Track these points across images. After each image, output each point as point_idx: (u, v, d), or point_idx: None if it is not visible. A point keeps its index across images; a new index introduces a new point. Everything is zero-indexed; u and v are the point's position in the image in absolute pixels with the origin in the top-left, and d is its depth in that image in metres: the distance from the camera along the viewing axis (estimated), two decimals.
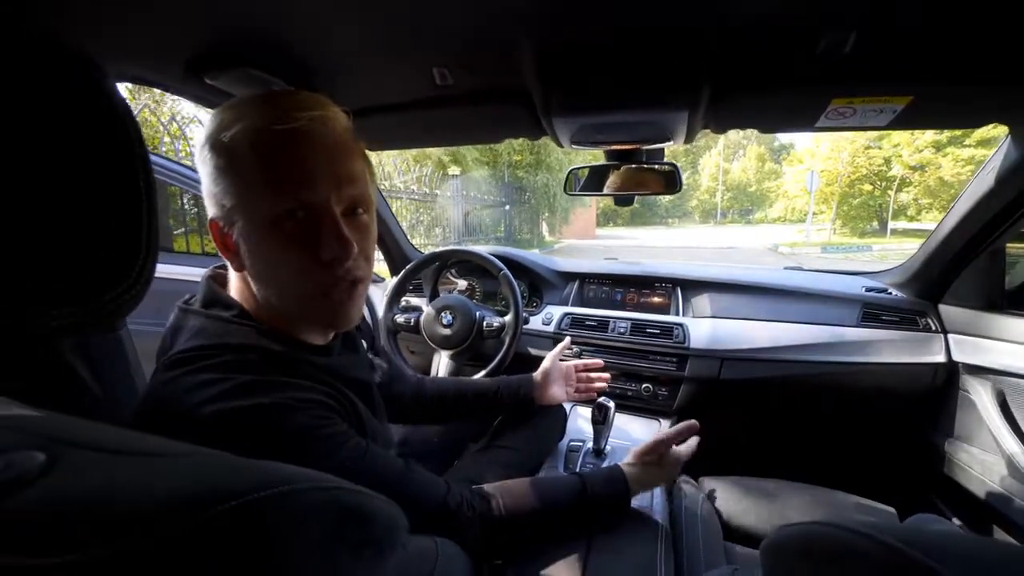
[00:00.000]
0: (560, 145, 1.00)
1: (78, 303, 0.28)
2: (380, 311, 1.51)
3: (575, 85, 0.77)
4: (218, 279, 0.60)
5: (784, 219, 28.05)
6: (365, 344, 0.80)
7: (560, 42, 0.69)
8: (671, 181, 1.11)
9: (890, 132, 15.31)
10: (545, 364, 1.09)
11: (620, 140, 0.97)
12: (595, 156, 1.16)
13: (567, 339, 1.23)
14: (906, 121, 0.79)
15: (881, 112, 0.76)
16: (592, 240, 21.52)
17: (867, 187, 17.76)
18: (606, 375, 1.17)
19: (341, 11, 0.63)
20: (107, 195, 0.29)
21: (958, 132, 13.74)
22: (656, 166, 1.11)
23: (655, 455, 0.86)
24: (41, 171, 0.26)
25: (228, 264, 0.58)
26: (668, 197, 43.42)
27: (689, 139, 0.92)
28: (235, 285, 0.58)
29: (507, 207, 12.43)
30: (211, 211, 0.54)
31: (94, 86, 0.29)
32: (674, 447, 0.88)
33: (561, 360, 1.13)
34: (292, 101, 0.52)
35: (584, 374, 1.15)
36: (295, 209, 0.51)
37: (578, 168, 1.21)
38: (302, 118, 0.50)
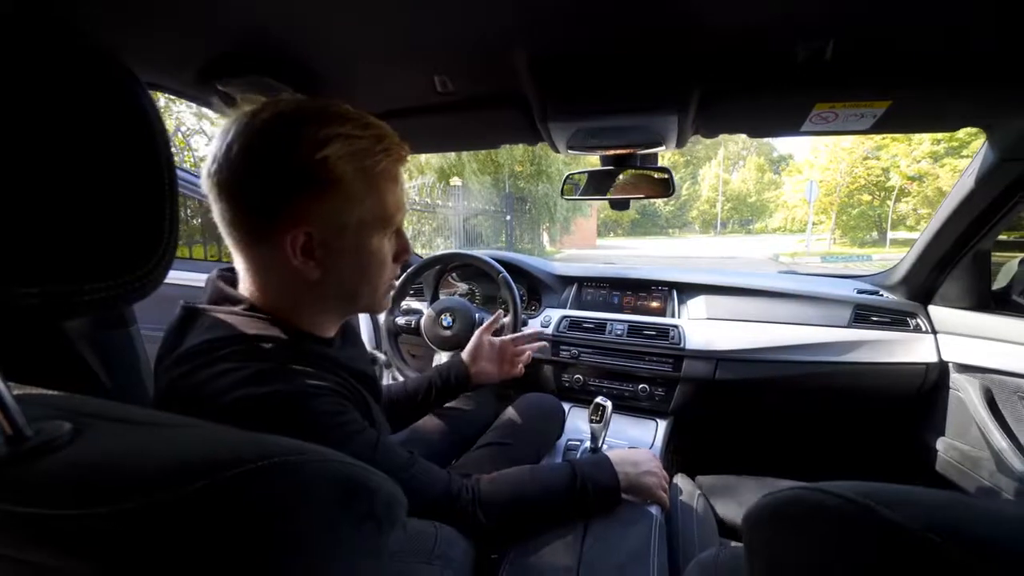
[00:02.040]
0: (556, 151, 1.04)
1: (108, 279, 0.31)
2: (382, 315, 1.54)
3: (569, 90, 0.80)
4: (225, 279, 0.62)
5: (784, 229, 28.08)
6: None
7: (554, 48, 0.72)
8: (665, 185, 1.15)
9: (888, 143, 15.43)
10: (471, 342, 1.09)
11: (614, 145, 1.01)
12: (593, 164, 1.20)
13: (498, 312, 1.17)
14: (887, 125, 0.82)
15: (862, 116, 0.80)
16: (593, 250, 21.57)
17: (866, 197, 17.81)
18: (536, 344, 1.14)
19: (347, 21, 0.66)
20: (134, 184, 0.32)
21: (955, 143, 13.82)
22: (651, 171, 1.15)
23: (640, 454, 0.89)
24: (75, 162, 0.29)
25: (242, 268, 0.59)
26: (669, 207, 43.61)
27: (681, 144, 0.96)
28: (245, 284, 0.60)
29: (508, 217, 12.49)
30: (296, 223, 0.54)
31: (123, 83, 0.32)
32: (661, 474, 0.89)
33: (496, 336, 1.11)
34: (380, 128, 0.58)
35: (515, 348, 1.11)
36: (394, 229, 0.63)
37: (575, 173, 1.24)
38: (403, 153, 0.60)
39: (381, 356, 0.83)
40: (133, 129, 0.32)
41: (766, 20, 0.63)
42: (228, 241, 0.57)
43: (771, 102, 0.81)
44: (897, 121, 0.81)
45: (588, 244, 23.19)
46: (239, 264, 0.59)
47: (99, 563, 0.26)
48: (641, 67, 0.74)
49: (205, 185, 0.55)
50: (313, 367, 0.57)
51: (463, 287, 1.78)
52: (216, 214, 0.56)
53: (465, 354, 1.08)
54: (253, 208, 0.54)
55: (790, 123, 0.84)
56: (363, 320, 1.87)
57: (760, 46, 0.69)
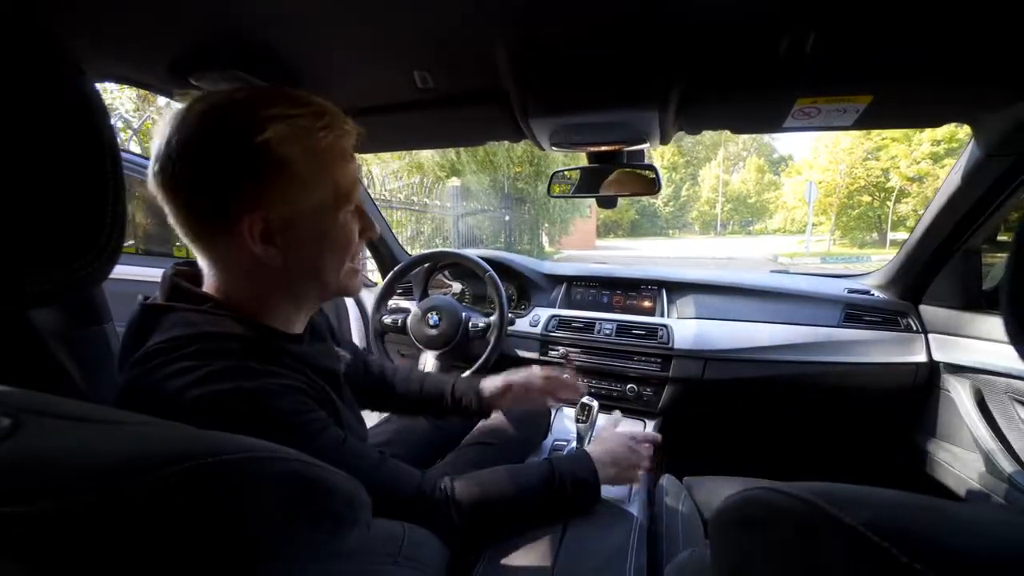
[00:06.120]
0: (541, 148, 1.03)
1: (51, 269, 0.30)
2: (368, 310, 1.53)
3: (548, 86, 0.80)
4: (183, 275, 0.60)
5: (784, 230, 28.14)
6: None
7: (532, 44, 0.71)
8: (651, 183, 1.14)
9: (887, 143, 15.43)
10: (514, 379, 0.99)
11: (597, 141, 1.00)
12: (584, 163, 1.19)
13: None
14: (870, 120, 0.81)
15: (845, 112, 0.79)
16: (591, 251, 21.57)
17: (866, 198, 17.82)
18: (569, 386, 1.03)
19: (323, 15, 0.65)
20: (74, 173, 0.31)
21: (955, 144, 13.82)
22: (637, 169, 1.14)
23: (616, 437, 0.91)
24: (9, 150, 0.28)
25: (200, 259, 0.58)
26: (668, 208, 43.65)
27: (664, 140, 0.95)
28: (209, 282, 0.59)
29: (507, 218, 12.49)
30: (251, 210, 0.53)
31: (63, 72, 0.31)
32: (640, 444, 0.90)
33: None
34: (319, 105, 0.56)
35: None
36: (352, 207, 0.61)
37: (561, 171, 1.23)
38: (347, 127, 0.58)
39: (347, 355, 0.82)
40: (71, 118, 0.31)
41: (744, 13, 0.62)
42: (187, 241, 0.56)
43: (753, 98, 0.80)
44: (880, 116, 0.80)
45: (587, 245, 23.18)
46: (201, 263, 0.58)
47: (31, 564, 0.25)
48: (619, 62, 0.73)
49: (152, 187, 0.53)
50: (278, 364, 0.56)
51: (456, 286, 1.77)
52: (169, 215, 0.55)
53: (489, 387, 0.98)
54: (204, 202, 0.53)
55: (773, 119, 0.83)
56: (354, 318, 1.87)
57: (739, 40, 0.68)
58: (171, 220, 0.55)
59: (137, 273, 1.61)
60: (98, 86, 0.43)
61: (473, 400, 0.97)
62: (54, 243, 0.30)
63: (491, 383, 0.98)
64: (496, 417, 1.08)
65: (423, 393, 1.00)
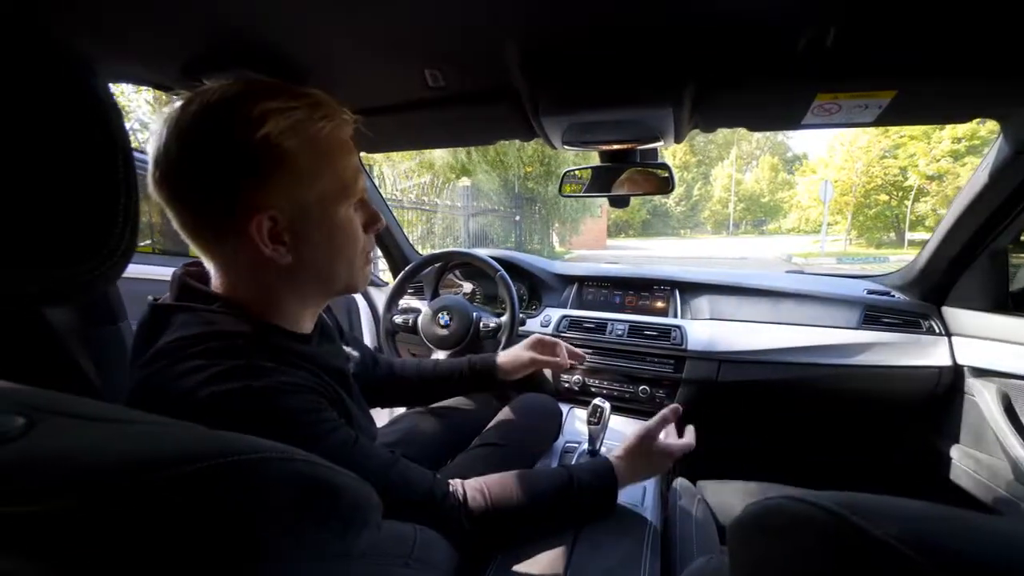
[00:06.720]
0: (552, 147, 1.02)
1: (58, 269, 0.30)
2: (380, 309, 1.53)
3: (560, 84, 0.78)
4: (193, 275, 0.60)
5: (798, 230, 27.67)
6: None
7: (544, 42, 0.70)
8: (664, 182, 1.12)
9: (906, 141, 15.11)
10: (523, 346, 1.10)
11: (610, 140, 0.99)
12: (596, 162, 1.17)
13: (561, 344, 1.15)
14: (893, 116, 0.78)
15: (867, 107, 0.76)
16: (603, 251, 21.47)
17: (883, 197, 17.46)
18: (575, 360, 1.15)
19: (334, 13, 0.65)
20: (85, 173, 0.31)
21: (976, 141, 13.49)
22: (650, 167, 1.12)
23: (641, 447, 0.85)
24: (17, 148, 0.28)
25: (208, 261, 0.58)
26: (680, 208, 43.28)
27: (679, 138, 0.93)
28: (217, 282, 0.59)
29: (517, 218, 12.50)
30: (258, 209, 0.52)
31: (74, 73, 0.31)
32: (662, 439, 0.87)
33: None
34: (315, 96, 0.56)
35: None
36: (357, 199, 0.61)
37: (573, 170, 1.22)
38: (345, 117, 0.57)
39: (355, 354, 0.82)
40: (82, 118, 0.31)
41: (762, 7, 0.61)
42: (192, 244, 0.56)
43: (770, 94, 0.78)
44: (904, 112, 0.78)
45: (598, 245, 23.08)
46: (208, 264, 0.58)
47: (43, 563, 0.25)
48: (633, 60, 0.72)
49: (154, 193, 0.53)
50: (287, 364, 0.56)
51: (467, 286, 1.77)
52: (173, 219, 0.54)
53: (506, 357, 1.09)
54: (209, 205, 0.52)
55: (791, 116, 0.81)
56: (365, 318, 1.87)
57: (757, 35, 0.66)
58: (176, 225, 0.54)
59: (156, 273, 1.63)
60: (113, 87, 0.43)
61: (490, 368, 1.07)
62: (63, 243, 0.30)
63: (505, 354, 1.09)
64: (507, 418, 1.07)
65: (437, 372, 1.07)
